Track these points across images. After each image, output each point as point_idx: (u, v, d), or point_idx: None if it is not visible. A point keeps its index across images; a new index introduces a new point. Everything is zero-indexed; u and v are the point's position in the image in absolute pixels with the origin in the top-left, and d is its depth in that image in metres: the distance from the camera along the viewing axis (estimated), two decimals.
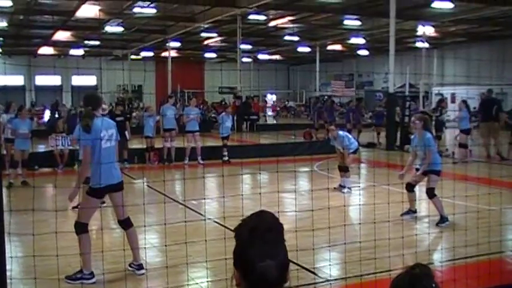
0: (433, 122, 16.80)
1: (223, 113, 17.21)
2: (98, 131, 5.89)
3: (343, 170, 11.41)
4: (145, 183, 11.88)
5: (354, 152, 11.54)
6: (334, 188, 11.20)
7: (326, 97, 36.60)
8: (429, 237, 7.56)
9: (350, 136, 11.94)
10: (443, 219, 8.22)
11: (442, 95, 27.48)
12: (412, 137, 9.13)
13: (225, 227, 7.48)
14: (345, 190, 11.13)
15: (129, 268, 6.16)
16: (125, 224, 6.20)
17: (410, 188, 8.65)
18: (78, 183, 6.09)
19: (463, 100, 17.02)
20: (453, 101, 30.85)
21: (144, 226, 6.29)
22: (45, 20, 27.15)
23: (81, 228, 5.90)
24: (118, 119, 14.83)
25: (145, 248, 6.39)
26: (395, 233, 6.44)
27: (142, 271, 6.15)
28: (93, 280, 5.91)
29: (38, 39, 33.96)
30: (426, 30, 27.83)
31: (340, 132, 11.62)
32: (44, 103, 36.33)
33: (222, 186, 10.59)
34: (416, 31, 28.31)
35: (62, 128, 14.80)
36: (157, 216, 8.44)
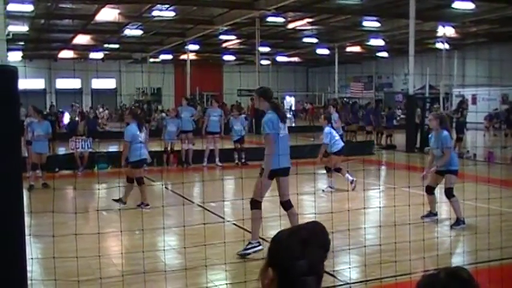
0: (454, 124, 16.63)
1: (231, 117, 17.08)
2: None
3: (327, 170, 11.60)
4: (164, 186, 11.90)
5: (338, 153, 11.45)
6: (323, 190, 11.30)
7: (345, 99, 36.48)
8: (450, 240, 7.45)
9: (336, 135, 11.53)
10: (458, 221, 8.09)
11: (463, 96, 27.18)
12: (430, 135, 8.93)
13: (244, 229, 7.46)
14: (325, 189, 11.29)
15: None
16: (284, 205, 6.80)
17: (430, 190, 8.52)
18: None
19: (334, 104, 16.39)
20: (474, 103, 30.60)
21: (163, 228, 6.30)
22: (65, 24, 27.48)
23: (255, 204, 6.65)
24: None
25: (164, 250, 6.39)
26: (416, 235, 6.36)
27: None
28: (261, 247, 6.53)
29: (58, 43, 34.37)
30: (446, 31, 27.57)
31: (327, 128, 11.39)
32: (63, 107, 36.67)
33: (241, 188, 10.57)
34: (437, 32, 28.05)
35: (83, 130, 14.90)
36: (177, 218, 8.44)
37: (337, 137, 11.54)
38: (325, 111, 13.80)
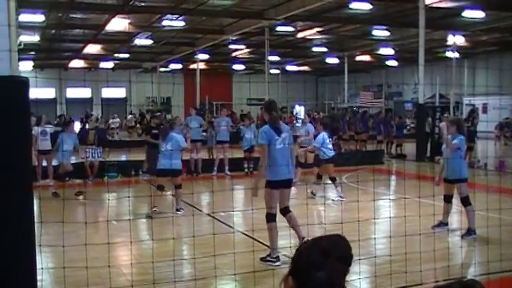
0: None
1: (242, 126, 17.09)
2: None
3: (333, 180, 11.59)
4: (173, 195, 11.88)
5: (329, 161, 11.49)
6: (333, 200, 11.29)
7: (355, 108, 36.39)
8: (462, 251, 7.38)
9: (328, 143, 11.52)
10: (470, 231, 7.99)
11: (473, 105, 27.05)
12: (444, 146, 8.83)
13: (254, 239, 7.44)
14: (336, 198, 11.24)
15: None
16: (282, 211, 6.90)
17: (448, 199, 8.42)
18: None
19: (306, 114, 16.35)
20: (485, 111, 30.44)
21: (173, 238, 6.29)
22: (76, 33, 27.67)
23: (269, 217, 6.71)
24: (154, 131, 14.88)
25: (173, 259, 6.37)
26: (427, 245, 6.32)
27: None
28: (278, 263, 6.56)
29: (69, 53, 34.60)
30: (456, 39, 27.50)
31: (322, 133, 11.50)
32: (73, 116, 36.86)
33: (251, 197, 10.56)
34: (447, 41, 27.98)
35: (93, 140, 14.97)
36: (186, 227, 8.43)
37: (330, 145, 11.63)
38: (319, 120, 13.90)
